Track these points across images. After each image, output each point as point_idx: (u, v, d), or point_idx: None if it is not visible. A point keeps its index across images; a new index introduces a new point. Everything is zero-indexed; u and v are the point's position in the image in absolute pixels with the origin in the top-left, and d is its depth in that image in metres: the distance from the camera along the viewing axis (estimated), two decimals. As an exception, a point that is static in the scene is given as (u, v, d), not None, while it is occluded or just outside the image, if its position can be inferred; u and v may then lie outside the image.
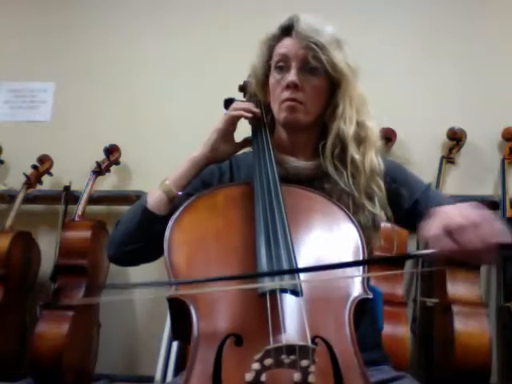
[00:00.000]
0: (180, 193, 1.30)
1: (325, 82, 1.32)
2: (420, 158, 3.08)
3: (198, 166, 1.33)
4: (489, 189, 3.08)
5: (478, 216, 0.95)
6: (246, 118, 1.35)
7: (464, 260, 0.97)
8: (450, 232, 0.94)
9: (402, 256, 0.97)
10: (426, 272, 2.41)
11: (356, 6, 3.33)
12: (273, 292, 0.95)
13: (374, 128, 1.35)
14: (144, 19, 3.56)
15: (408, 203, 1.36)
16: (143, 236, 1.29)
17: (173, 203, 1.29)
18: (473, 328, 2.50)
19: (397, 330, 2.49)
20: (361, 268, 1.08)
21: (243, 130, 1.39)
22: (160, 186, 1.32)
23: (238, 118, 1.34)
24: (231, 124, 1.33)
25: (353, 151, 1.31)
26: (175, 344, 2.69)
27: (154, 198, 1.30)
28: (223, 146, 1.34)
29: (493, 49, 3.20)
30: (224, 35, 3.38)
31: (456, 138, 3.08)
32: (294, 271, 0.99)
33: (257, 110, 1.37)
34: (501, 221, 0.97)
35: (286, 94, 1.30)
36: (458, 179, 3.11)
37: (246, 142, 1.40)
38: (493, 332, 2.68)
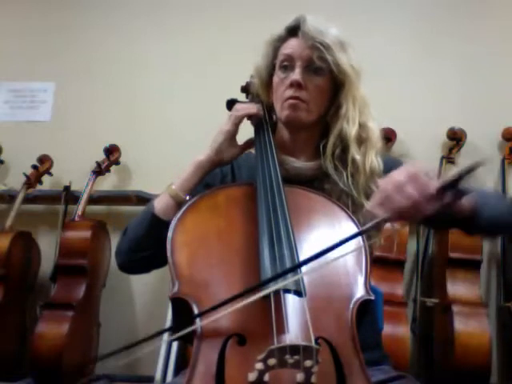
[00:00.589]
0: (187, 197, 1.30)
1: (328, 82, 1.33)
2: (420, 158, 3.08)
3: (203, 170, 1.34)
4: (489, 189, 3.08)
5: (401, 177, 0.97)
6: (250, 114, 1.37)
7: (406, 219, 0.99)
8: (381, 203, 0.97)
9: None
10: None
11: (356, 7, 3.33)
12: (276, 292, 0.95)
13: (375, 129, 1.36)
14: (144, 19, 3.56)
15: None
16: (152, 242, 1.27)
17: (180, 208, 1.29)
18: (473, 328, 2.50)
19: (397, 330, 2.49)
20: (363, 275, 1.08)
21: (247, 132, 1.40)
22: (166, 190, 1.32)
23: (242, 116, 1.36)
24: (237, 124, 1.34)
25: (354, 151, 1.32)
26: (175, 344, 2.69)
27: (162, 204, 1.30)
28: (228, 149, 1.34)
29: (493, 49, 3.20)
30: (224, 35, 3.38)
31: (456, 138, 3.08)
32: (296, 266, 0.99)
33: (260, 112, 1.38)
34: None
35: (290, 93, 1.32)
36: (458, 179, 3.11)
37: (248, 144, 1.40)
38: (493, 332, 2.68)
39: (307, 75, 1.32)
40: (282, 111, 1.35)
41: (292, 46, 1.33)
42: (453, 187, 0.98)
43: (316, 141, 1.40)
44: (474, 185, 1.21)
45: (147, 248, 1.29)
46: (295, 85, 1.30)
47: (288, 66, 1.34)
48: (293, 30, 1.35)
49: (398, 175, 0.98)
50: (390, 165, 1.40)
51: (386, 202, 0.97)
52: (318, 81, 1.32)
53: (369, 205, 1.01)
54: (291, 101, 1.32)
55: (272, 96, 1.40)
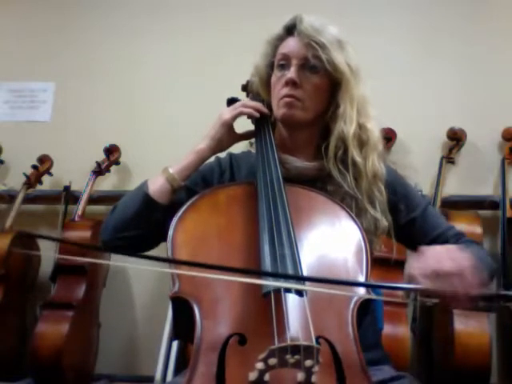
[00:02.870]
0: (183, 183, 1.31)
1: (325, 81, 1.33)
2: (420, 158, 3.08)
3: (204, 159, 1.35)
4: (489, 189, 3.08)
5: (465, 264, 1.00)
6: (254, 117, 1.37)
7: (442, 302, 1.02)
8: (437, 275, 0.99)
9: (391, 286, 1.05)
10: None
11: (356, 6, 3.33)
12: (277, 292, 0.95)
13: (374, 131, 1.36)
14: (144, 19, 3.55)
15: (404, 219, 1.39)
16: (141, 223, 1.28)
17: (175, 194, 1.29)
18: (473, 328, 2.49)
19: (397, 330, 2.49)
20: (364, 274, 1.09)
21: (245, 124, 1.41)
22: (162, 173, 1.31)
23: (247, 114, 1.36)
24: (236, 118, 1.35)
25: (354, 154, 1.32)
26: (175, 344, 2.69)
27: (157, 187, 1.30)
28: (228, 138, 1.36)
29: (493, 49, 3.20)
30: (224, 36, 3.38)
31: (456, 138, 3.07)
32: (300, 278, 0.98)
33: (266, 111, 1.39)
34: (480, 271, 1.03)
35: (285, 91, 1.32)
36: (458, 179, 3.11)
37: (248, 135, 1.42)
38: (493, 332, 2.68)
39: (303, 74, 1.32)
40: (278, 109, 1.35)
41: (289, 46, 1.34)
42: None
43: (316, 141, 1.40)
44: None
45: (134, 228, 1.28)
46: (290, 83, 1.31)
47: (285, 65, 1.34)
48: (290, 29, 1.35)
49: (460, 259, 1.01)
50: (394, 180, 1.40)
51: (443, 278, 0.98)
52: (313, 79, 1.32)
53: (416, 269, 1.02)
54: (286, 99, 1.32)
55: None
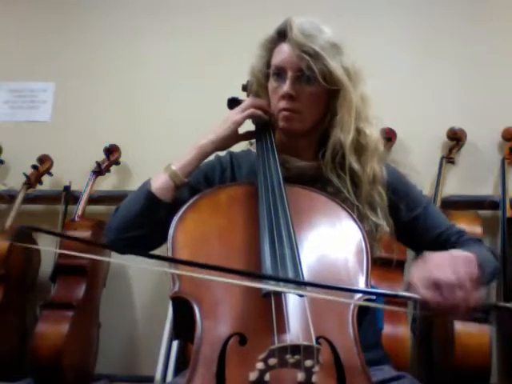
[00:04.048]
0: (186, 180, 1.30)
1: (322, 90, 1.31)
2: (420, 158, 3.08)
3: (206, 155, 1.34)
4: (489, 189, 3.08)
5: (466, 276, 0.99)
6: (263, 119, 1.37)
7: (439, 312, 1.01)
8: (437, 285, 0.98)
9: (391, 294, 1.05)
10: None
11: (356, 6, 3.33)
12: (277, 292, 0.95)
13: (373, 135, 1.34)
14: (144, 19, 3.55)
15: (406, 218, 1.38)
16: (145, 222, 1.26)
17: (178, 191, 1.29)
18: (473, 328, 2.50)
19: (397, 330, 2.49)
20: (364, 275, 1.09)
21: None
22: (165, 171, 1.30)
23: (257, 116, 1.36)
24: (246, 119, 1.35)
25: (352, 161, 1.31)
26: (175, 344, 2.69)
27: (160, 184, 1.29)
28: (232, 138, 1.35)
29: (493, 49, 3.20)
30: (224, 36, 3.38)
31: (456, 138, 3.07)
32: (301, 283, 0.98)
33: (271, 111, 1.37)
34: (481, 285, 1.03)
35: (282, 104, 1.31)
36: (458, 179, 3.11)
37: (248, 135, 1.42)
38: (493, 332, 2.68)
39: (299, 85, 1.30)
40: (277, 121, 1.35)
41: (282, 55, 1.31)
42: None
43: (315, 146, 1.39)
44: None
45: (137, 227, 1.27)
46: (286, 97, 1.30)
47: (280, 75, 1.32)
48: (282, 34, 1.32)
49: (462, 271, 1.00)
50: (395, 180, 1.40)
51: (444, 289, 0.98)
52: (310, 89, 1.30)
53: (417, 278, 1.02)
54: (284, 113, 1.31)
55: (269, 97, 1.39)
